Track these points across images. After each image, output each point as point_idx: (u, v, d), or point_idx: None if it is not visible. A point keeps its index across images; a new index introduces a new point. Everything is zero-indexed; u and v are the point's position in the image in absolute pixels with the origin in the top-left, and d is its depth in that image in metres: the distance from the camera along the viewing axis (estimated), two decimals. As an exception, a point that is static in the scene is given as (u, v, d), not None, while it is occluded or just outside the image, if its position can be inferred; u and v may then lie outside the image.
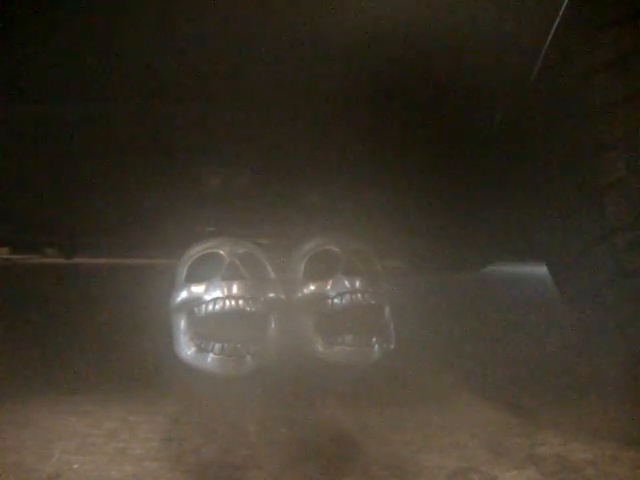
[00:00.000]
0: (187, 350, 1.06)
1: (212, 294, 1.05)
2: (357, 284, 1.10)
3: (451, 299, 2.35)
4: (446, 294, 2.46)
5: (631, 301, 0.99)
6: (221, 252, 1.10)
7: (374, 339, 1.10)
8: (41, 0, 0.90)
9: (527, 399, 1.12)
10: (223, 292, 1.04)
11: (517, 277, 3.08)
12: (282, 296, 1.10)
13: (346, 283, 1.10)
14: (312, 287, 1.12)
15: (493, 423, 0.99)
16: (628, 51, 0.97)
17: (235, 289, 1.04)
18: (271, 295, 1.08)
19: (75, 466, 0.79)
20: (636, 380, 1.09)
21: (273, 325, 1.09)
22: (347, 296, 1.09)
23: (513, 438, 0.92)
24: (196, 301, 1.06)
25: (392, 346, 1.13)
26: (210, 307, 1.04)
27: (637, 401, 1.08)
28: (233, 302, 1.03)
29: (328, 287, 1.10)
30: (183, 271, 1.11)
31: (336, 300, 1.09)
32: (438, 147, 1.20)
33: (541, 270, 1.47)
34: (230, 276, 1.06)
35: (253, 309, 1.05)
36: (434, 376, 1.24)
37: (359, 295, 1.09)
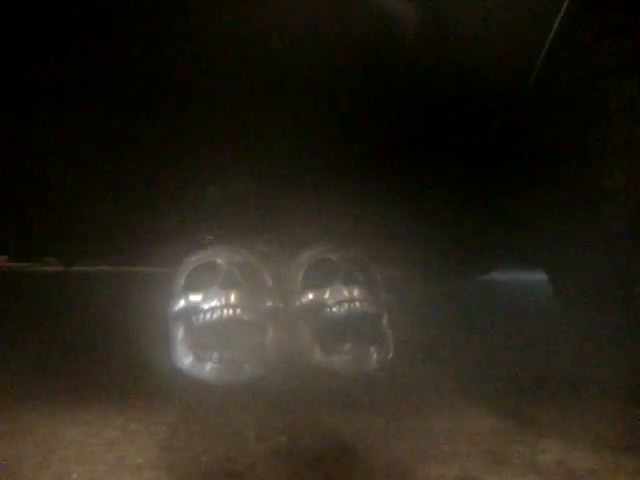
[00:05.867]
0: (185, 359, 1.06)
1: (210, 303, 1.05)
2: (355, 293, 1.10)
3: (450, 307, 2.35)
4: (445, 302, 2.46)
5: (630, 308, 0.99)
6: (219, 261, 1.10)
7: (372, 348, 1.10)
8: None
9: (527, 407, 1.12)
10: (221, 301, 1.04)
11: (517, 284, 3.08)
12: (280, 305, 1.10)
13: (344, 292, 1.10)
14: (310, 296, 1.12)
15: (493, 431, 0.99)
16: (627, 58, 0.98)
17: (233, 298, 1.04)
18: (269, 304, 1.08)
19: (74, 475, 0.79)
20: (637, 387, 1.09)
21: (271, 334, 1.09)
22: (345, 305, 1.09)
23: (514, 446, 0.92)
24: (194, 310, 1.06)
25: (391, 355, 1.13)
26: (208, 316, 1.04)
27: (638, 408, 1.08)
28: (231, 311, 1.04)
29: (326, 296, 1.10)
30: (181, 280, 1.11)
31: (334, 309, 1.09)
32: (437, 153, 1.20)
33: (540, 277, 1.47)
34: (228, 285, 1.06)
35: (251, 318, 1.05)
36: (434, 384, 1.24)
37: (357, 304, 1.09)
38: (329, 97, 1.06)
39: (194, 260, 1.13)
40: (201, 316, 1.05)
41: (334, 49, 0.98)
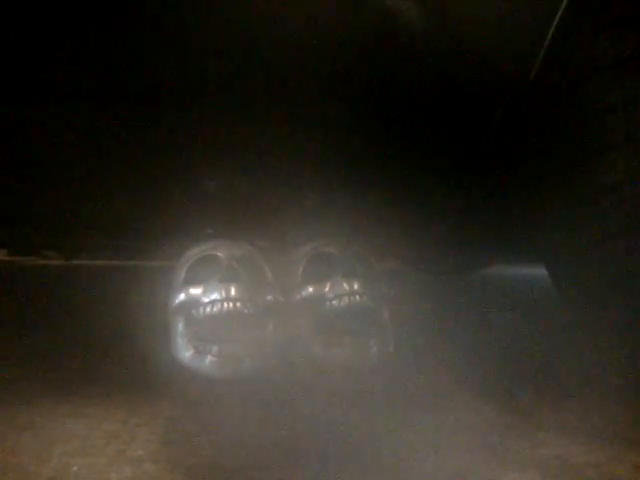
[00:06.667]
0: (185, 352, 1.06)
1: (210, 296, 1.05)
2: (355, 286, 1.09)
3: (451, 300, 2.35)
4: (446, 295, 2.46)
5: (630, 303, 0.99)
6: (219, 254, 1.10)
7: (372, 341, 1.10)
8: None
9: (527, 400, 1.12)
10: (221, 294, 1.04)
11: (516, 279, 3.08)
12: (280, 298, 1.10)
13: (344, 285, 1.10)
14: (310, 289, 1.11)
15: (493, 425, 0.99)
16: (628, 53, 0.98)
17: (233, 291, 1.04)
18: (269, 297, 1.08)
19: (74, 468, 0.80)
20: (636, 381, 1.09)
21: (271, 328, 1.09)
22: (345, 298, 1.09)
23: (513, 440, 0.92)
24: (194, 303, 1.06)
25: (391, 348, 1.13)
26: (208, 309, 1.04)
27: (638, 402, 1.08)
28: (231, 304, 1.03)
29: (326, 289, 1.10)
30: (181, 273, 1.11)
31: (334, 302, 1.09)
32: (436, 147, 1.20)
33: (540, 272, 1.47)
34: (228, 278, 1.06)
35: (251, 311, 1.05)
36: (433, 378, 1.24)
37: (357, 297, 1.09)
38: (330, 91, 1.06)
39: (194, 253, 1.13)
40: (201, 309, 1.05)
41: (334, 45, 0.98)
